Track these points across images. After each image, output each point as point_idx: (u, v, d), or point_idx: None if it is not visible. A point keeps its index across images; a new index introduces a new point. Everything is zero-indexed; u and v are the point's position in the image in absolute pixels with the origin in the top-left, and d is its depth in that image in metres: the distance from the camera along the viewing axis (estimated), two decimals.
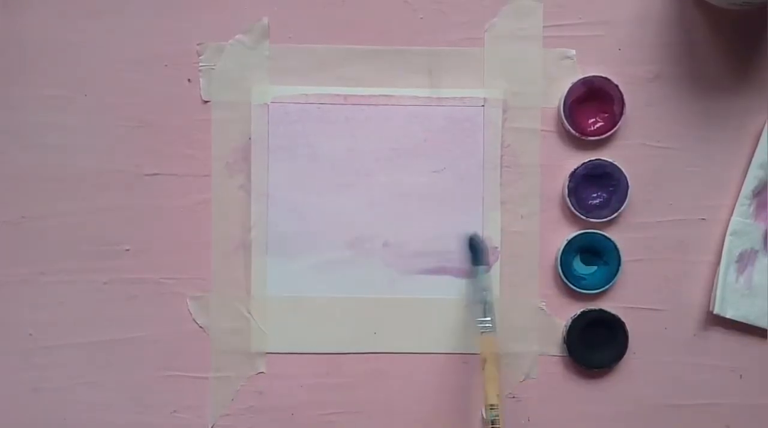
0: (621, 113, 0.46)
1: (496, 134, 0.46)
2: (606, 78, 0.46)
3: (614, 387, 0.47)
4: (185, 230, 0.47)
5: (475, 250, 0.45)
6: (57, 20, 0.46)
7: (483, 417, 0.40)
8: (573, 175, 0.46)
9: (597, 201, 0.47)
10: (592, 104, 0.47)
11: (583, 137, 0.46)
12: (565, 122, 0.46)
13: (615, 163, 0.46)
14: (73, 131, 0.47)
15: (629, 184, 0.46)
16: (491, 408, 0.40)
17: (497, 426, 0.41)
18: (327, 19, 0.47)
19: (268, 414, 0.47)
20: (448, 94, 0.46)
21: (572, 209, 0.46)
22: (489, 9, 0.47)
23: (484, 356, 0.42)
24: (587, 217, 0.46)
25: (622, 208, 0.46)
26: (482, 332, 0.42)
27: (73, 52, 0.46)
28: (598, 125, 0.47)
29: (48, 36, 0.46)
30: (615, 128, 0.46)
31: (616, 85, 0.46)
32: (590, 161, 0.46)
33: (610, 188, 0.46)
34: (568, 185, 0.46)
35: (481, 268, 0.45)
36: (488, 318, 0.42)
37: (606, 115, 0.46)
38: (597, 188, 0.47)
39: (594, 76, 0.46)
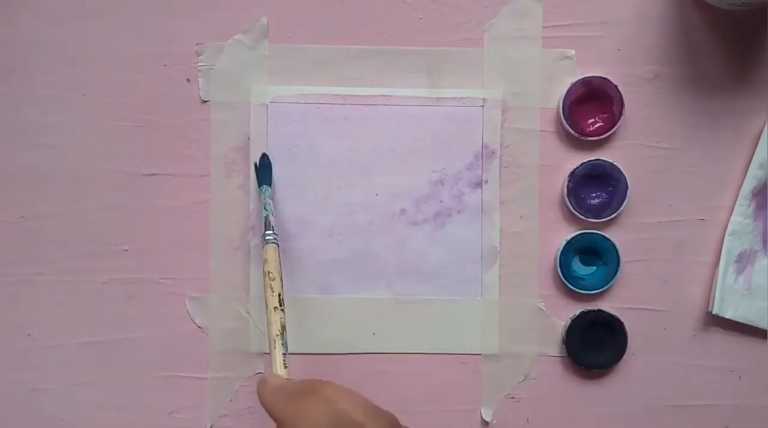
0: (620, 114, 0.46)
1: (496, 134, 0.46)
2: (605, 78, 0.46)
3: (613, 388, 0.47)
4: (184, 230, 0.47)
5: (260, 170, 0.45)
6: (56, 20, 0.46)
7: (270, 317, 0.40)
8: (572, 175, 0.46)
9: (596, 201, 0.47)
10: (592, 105, 0.47)
11: (583, 138, 0.46)
12: (564, 122, 0.46)
13: (614, 163, 0.46)
14: (72, 131, 0.47)
15: (628, 184, 0.46)
16: (276, 309, 0.40)
17: (284, 319, 0.40)
18: (326, 19, 0.47)
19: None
20: (448, 95, 0.46)
21: (571, 209, 0.46)
22: (488, 9, 0.47)
23: (267, 265, 0.42)
24: (586, 217, 0.46)
25: (621, 208, 0.46)
26: (266, 243, 0.42)
27: (72, 52, 0.46)
28: (598, 125, 0.47)
29: (46, 36, 0.46)
30: (614, 129, 0.46)
31: (616, 86, 0.46)
32: (589, 161, 0.46)
33: (610, 188, 0.46)
34: (568, 185, 0.46)
35: (264, 187, 0.45)
36: (270, 231, 0.42)
37: (605, 115, 0.46)
38: (596, 188, 0.47)
39: (593, 77, 0.46)
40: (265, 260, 0.41)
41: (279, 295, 0.40)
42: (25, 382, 0.47)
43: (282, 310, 0.40)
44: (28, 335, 0.47)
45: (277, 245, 0.42)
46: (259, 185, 0.45)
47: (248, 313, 0.47)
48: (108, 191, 0.47)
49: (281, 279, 0.41)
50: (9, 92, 0.46)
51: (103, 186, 0.47)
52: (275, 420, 0.34)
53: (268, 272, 0.41)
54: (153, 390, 0.47)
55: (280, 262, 0.42)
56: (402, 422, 0.46)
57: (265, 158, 0.46)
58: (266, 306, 0.40)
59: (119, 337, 0.47)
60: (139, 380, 0.47)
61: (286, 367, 0.38)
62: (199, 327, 0.47)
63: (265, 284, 0.41)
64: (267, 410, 0.35)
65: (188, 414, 0.47)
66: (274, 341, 0.39)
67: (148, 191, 0.47)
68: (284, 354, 0.39)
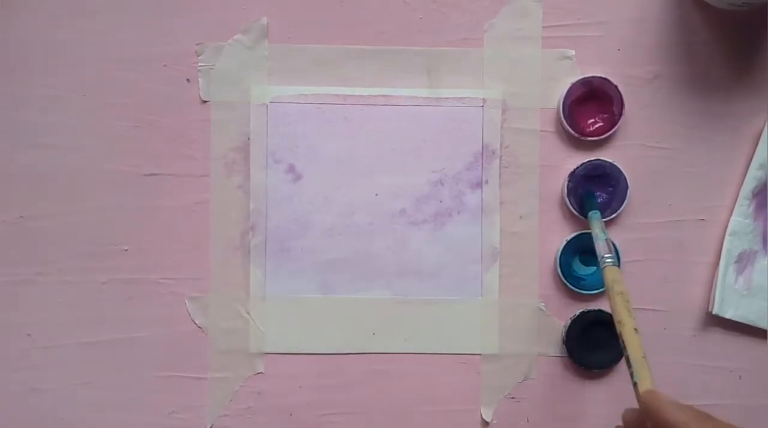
0: (620, 114, 0.46)
1: (496, 134, 0.46)
2: (605, 78, 0.46)
3: (613, 388, 0.47)
4: (184, 230, 0.47)
5: (584, 200, 0.46)
6: (56, 20, 0.46)
7: (626, 330, 0.38)
8: (572, 175, 0.46)
9: (597, 200, 0.46)
10: (592, 105, 0.47)
11: (583, 138, 0.46)
12: (564, 122, 0.46)
13: (614, 163, 0.46)
14: (72, 131, 0.47)
15: (629, 184, 0.46)
16: (636, 331, 0.38)
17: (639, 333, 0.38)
18: (326, 19, 0.47)
19: (267, 415, 0.47)
20: (447, 95, 0.46)
21: (572, 209, 0.46)
22: (488, 9, 0.47)
23: (613, 284, 0.41)
24: (587, 218, 0.46)
25: (621, 208, 0.46)
26: (604, 265, 0.41)
27: (72, 52, 0.46)
28: (598, 125, 0.46)
29: (46, 36, 0.46)
30: (614, 129, 0.46)
31: (616, 86, 0.46)
32: (589, 161, 0.46)
33: (610, 188, 0.46)
34: (568, 185, 0.46)
35: (591, 213, 0.45)
36: (610, 255, 0.42)
37: (605, 115, 0.46)
38: (596, 189, 0.47)
39: (593, 77, 0.46)
40: (614, 281, 0.40)
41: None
42: (24, 382, 0.47)
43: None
44: (28, 335, 0.47)
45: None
46: (588, 211, 0.45)
47: (248, 313, 0.47)
48: (108, 191, 0.47)
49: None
50: (9, 92, 0.46)
51: (103, 186, 0.47)
52: None
53: (621, 293, 0.40)
54: (153, 390, 0.47)
55: None
56: (401, 422, 0.46)
57: (587, 191, 0.46)
58: (622, 326, 0.38)
59: (119, 337, 0.47)
60: (139, 380, 0.47)
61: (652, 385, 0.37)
62: (199, 327, 0.47)
63: (618, 305, 0.39)
64: (668, 424, 0.33)
65: (188, 414, 0.47)
66: (641, 361, 0.37)
67: (148, 191, 0.47)
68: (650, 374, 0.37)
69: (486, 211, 0.47)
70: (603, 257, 0.42)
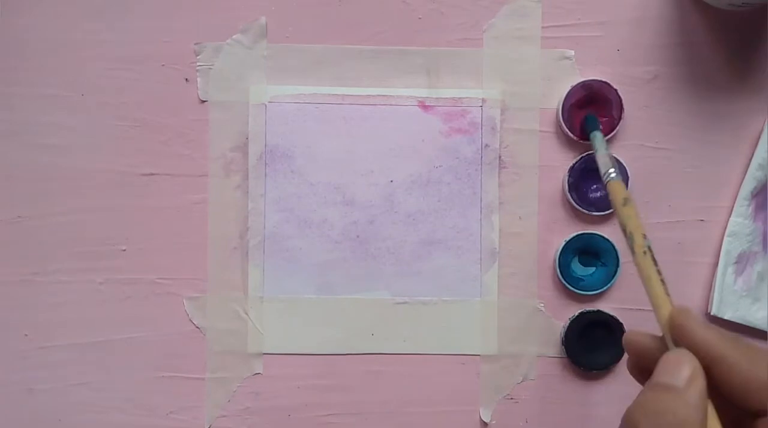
0: (620, 118, 0.46)
1: (495, 134, 0.46)
2: (605, 82, 0.46)
3: (613, 389, 0.47)
4: (182, 230, 0.47)
5: (591, 120, 0.45)
6: (54, 20, 0.46)
7: (637, 249, 0.35)
8: (572, 169, 0.46)
9: (598, 193, 0.46)
10: (591, 108, 0.46)
11: (582, 141, 0.46)
12: (564, 125, 0.46)
13: (614, 155, 0.45)
14: (70, 131, 0.46)
15: (629, 176, 0.46)
16: (645, 237, 0.36)
17: (653, 252, 0.35)
18: (325, 18, 0.46)
19: (265, 415, 0.47)
20: (447, 95, 0.46)
21: (573, 204, 0.46)
22: (487, 9, 0.46)
23: (624, 196, 0.38)
24: (590, 211, 0.46)
25: None
26: (611, 180, 0.40)
27: (70, 51, 0.46)
28: None
29: (44, 35, 0.46)
30: (613, 132, 0.46)
31: (615, 90, 0.45)
32: (588, 154, 0.46)
33: None
34: (568, 181, 0.46)
35: (597, 133, 0.44)
36: (614, 169, 0.40)
37: (605, 119, 0.46)
38: (596, 181, 0.46)
39: (593, 80, 0.46)
40: (622, 194, 0.37)
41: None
42: (21, 383, 0.47)
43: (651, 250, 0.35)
44: (25, 335, 0.47)
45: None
46: (590, 132, 0.44)
47: (246, 313, 0.46)
48: (106, 190, 0.46)
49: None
50: (6, 91, 0.46)
51: (100, 186, 0.46)
52: (711, 357, 0.29)
53: (629, 203, 0.37)
54: (150, 390, 0.47)
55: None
56: (400, 423, 0.46)
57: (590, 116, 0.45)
58: (633, 241, 0.35)
59: (116, 337, 0.47)
60: (136, 380, 0.47)
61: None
62: (197, 328, 0.47)
63: (626, 217, 0.36)
64: (700, 344, 0.30)
65: (186, 414, 0.47)
66: (657, 281, 0.34)
67: (145, 191, 0.46)
68: (669, 297, 0.34)
69: (485, 211, 0.47)
70: (607, 172, 0.40)
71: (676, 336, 0.31)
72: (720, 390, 0.29)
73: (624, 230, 0.37)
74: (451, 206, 0.47)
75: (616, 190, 0.39)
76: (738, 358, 0.28)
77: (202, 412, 0.47)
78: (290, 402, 0.47)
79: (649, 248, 0.35)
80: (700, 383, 0.28)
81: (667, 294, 0.34)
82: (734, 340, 0.29)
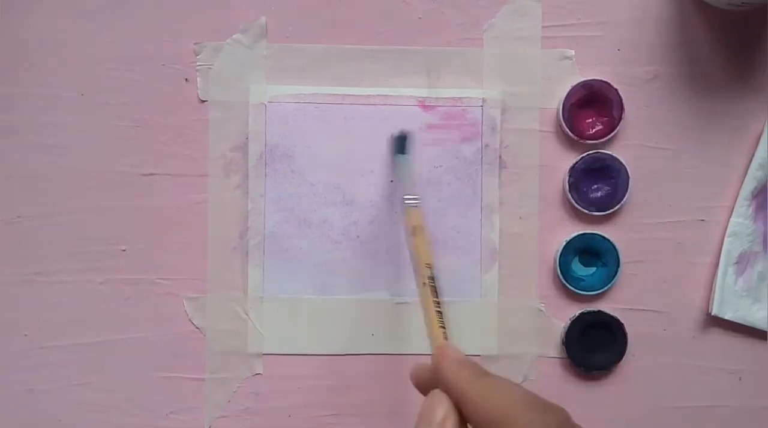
0: (620, 118, 0.46)
1: (495, 134, 0.46)
2: (606, 82, 0.46)
3: (613, 389, 0.47)
4: (182, 230, 0.47)
5: (402, 141, 0.45)
6: (53, 20, 0.46)
7: (419, 280, 0.37)
8: (573, 169, 0.46)
9: (598, 193, 0.46)
10: (592, 108, 0.46)
11: (582, 141, 0.46)
12: (564, 125, 0.46)
13: (614, 154, 0.46)
14: (70, 131, 0.46)
15: (630, 175, 0.46)
16: (429, 266, 0.38)
17: (435, 283, 0.37)
18: (325, 18, 0.46)
19: (265, 416, 0.47)
20: (447, 95, 0.46)
21: (574, 204, 0.46)
22: (488, 9, 0.46)
23: (414, 225, 0.40)
24: (590, 211, 0.46)
25: (624, 200, 0.46)
26: (409, 206, 0.41)
27: (70, 51, 0.46)
28: (597, 128, 0.46)
29: (44, 35, 0.46)
30: (614, 132, 0.46)
31: (616, 89, 0.45)
32: (588, 154, 0.46)
33: (612, 180, 0.46)
34: (569, 180, 0.46)
35: (402, 156, 0.44)
36: (417, 195, 0.41)
37: (605, 118, 0.46)
38: (597, 181, 0.46)
39: (593, 80, 0.46)
40: (418, 222, 0.39)
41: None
42: (21, 383, 0.47)
43: (433, 280, 0.37)
44: (25, 335, 0.47)
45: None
46: (401, 153, 0.44)
47: (246, 314, 0.46)
48: (106, 191, 0.46)
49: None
50: (6, 92, 0.46)
51: (100, 186, 0.46)
52: (455, 391, 0.31)
53: (422, 232, 0.38)
54: (150, 391, 0.47)
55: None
56: (400, 424, 0.46)
57: (404, 132, 0.45)
58: (418, 274, 0.37)
59: (116, 338, 0.47)
60: (136, 381, 0.47)
61: (446, 339, 0.36)
62: (197, 328, 0.47)
63: (419, 245, 0.38)
64: (445, 380, 0.32)
65: (186, 415, 0.47)
66: (434, 313, 0.36)
67: (145, 191, 0.46)
68: (444, 329, 0.36)
69: (485, 211, 0.46)
70: (407, 197, 0.41)
71: (435, 374, 0.33)
72: (473, 425, 0.31)
73: (412, 258, 0.38)
74: (451, 206, 0.47)
75: (410, 217, 0.40)
76: (476, 395, 0.30)
77: (202, 412, 0.47)
78: (290, 403, 0.47)
79: (432, 278, 0.37)
80: (451, 422, 0.30)
81: (442, 327, 0.36)
82: (480, 377, 0.31)
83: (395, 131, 0.45)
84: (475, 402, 0.30)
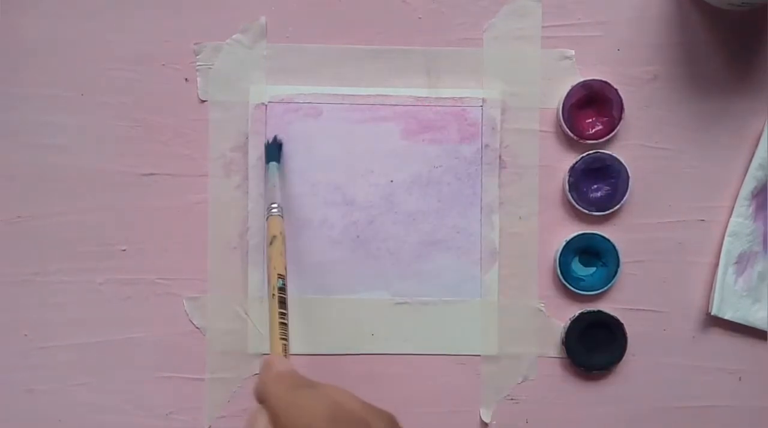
0: (620, 118, 0.46)
1: (495, 134, 0.46)
2: (606, 82, 0.46)
3: (613, 389, 0.47)
4: (182, 230, 0.46)
5: (274, 149, 0.45)
6: (53, 19, 0.46)
7: (269, 291, 0.38)
8: (572, 169, 0.46)
9: (598, 193, 0.46)
10: (591, 108, 0.46)
11: (582, 141, 0.46)
12: (564, 125, 0.46)
13: (614, 154, 0.46)
14: (70, 131, 0.46)
15: (629, 175, 0.46)
16: (281, 277, 0.39)
17: (284, 294, 0.38)
18: (325, 18, 0.46)
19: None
20: (447, 95, 0.46)
21: (574, 204, 0.46)
22: (488, 9, 0.46)
23: (274, 234, 0.41)
24: (590, 211, 0.46)
25: (624, 199, 0.46)
26: (270, 215, 0.42)
27: (70, 51, 0.46)
28: (597, 128, 0.46)
29: (44, 35, 0.46)
30: (614, 133, 0.46)
31: (616, 90, 0.45)
32: (588, 154, 0.46)
33: (612, 180, 0.46)
34: (569, 180, 0.46)
35: (272, 164, 0.45)
36: (276, 204, 0.42)
37: (605, 118, 0.46)
38: (597, 181, 0.46)
39: (594, 80, 0.46)
40: (279, 230, 0.41)
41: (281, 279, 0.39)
42: (21, 383, 0.47)
43: (282, 291, 0.38)
44: (25, 335, 0.47)
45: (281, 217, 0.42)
46: (268, 161, 0.45)
47: (246, 314, 0.46)
48: (105, 191, 0.46)
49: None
50: (5, 91, 0.46)
51: (100, 186, 0.46)
52: (269, 406, 0.32)
53: (280, 242, 0.40)
54: (150, 391, 0.47)
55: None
56: (402, 423, 0.46)
57: (275, 139, 0.46)
58: (270, 283, 0.39)
59: (116, 338, 0.47)
60: (136, 381, 0.47)
61: (286, 355, 0.37)
62: (197, 328, 0.47)
63: (276, 256, 0.39)
64: (263, 393, 0.33)
65: (186, 415, 0.47)
66: (275, 325, 0.37)
67: (145, 191, 0.46)
68: (284, 341, 0.37)
69: (485, 211, 0.46)
70: (270, 206, 0.42)
71: (259, 387, 0.34)
72: None
73: (269, 262, 0.40)
74: (451, 206, 0.46)
75: (270, 227, 0.41)
76: (284, 410, 0.31)
77: (202, 412, 0.47)
78: None
79: (281, 289, 0.38)
80: None
81: (283, 339, 0.37)
82: (293, 390, 0.33)
83: (269, 138, 0.46)
84: (284, 416, 0.31)
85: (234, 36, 0.46)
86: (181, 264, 0.46)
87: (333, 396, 0.32)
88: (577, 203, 0.46)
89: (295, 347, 0.46)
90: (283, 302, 0.38)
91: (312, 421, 0.30)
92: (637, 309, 0.47)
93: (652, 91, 0.47)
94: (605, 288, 0.46)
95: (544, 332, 0.47)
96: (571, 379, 0.47)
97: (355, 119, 0.46)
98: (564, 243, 0.46)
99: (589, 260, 0.47)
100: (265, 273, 0.46)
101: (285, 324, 0.38)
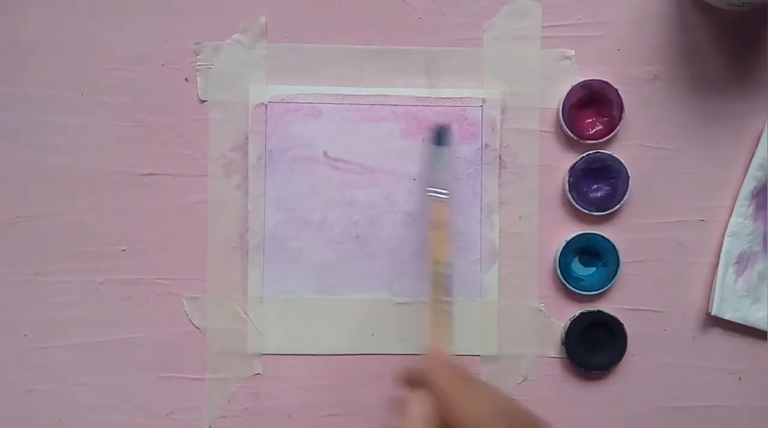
0: (620, 118, 0.46)
1: (495, 134, 0.46)
2: (606, 82, 0.46)
3: (613, 389, 0.47)
4: (182, 230, 0.46)
5: (443, 133, 0.45)
6: (54, 19, 0.46)
7: (433, 276, 0.38)
8: (572, 169, 0.46)
9: (598, 193, 0.46)
10: (591, 108, 0.46)
11: (582, 141, 0.46)
12: (564, 125, 0.46)
13: (614, 154, 0.46)
14: (70, 131, 0.46)
15: (629, 175, 0.46)
16: (440, 264, 0.38)
17: (444, 281, 0.39)
18: (325, 18, 0.46)
19: (265, 416, 0.47)
20: (447, 95, 0.46)
21: (574, 204, 0.46)
22: (488, 9, 0.46)
23: (436, 220, 0.41)
24: (590, 211, 0.46)
25: (624, 199, 0.46)
26: (436, 199, 0.41)
27: (70, 51, 0.46)
28: (597, 128, 0.46)
29: (44, 35, 0.46)
30: (613, 133, 0.46)
31: (616, 89, 0.45)
32: (588, 154, 0.46)
33: (612, 180, 0.46)
34: (569, 180, 0.46)
35: (444, 148, 0.45)
36: (447, 190, 0.42)
37: (605, 118, 0.46)
38: (597, 181, 0.46)
39: (593, 80, 0.46)
40: (445, 217, 0.40)
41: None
42: (21, 383, 0.47)
43: (446, 279, 0.38)
44: (25, 335, 0.47)
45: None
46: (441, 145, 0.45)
47: (246, 314, 0.46)
48: (106, 191, 0.46)
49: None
50: (5, 92, 0.46)
51: (100, 186, 0.46)
52: (437, 395, 0.33)
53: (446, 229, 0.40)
54: (150, 391, 0.47)
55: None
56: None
57: (446, 126, 0.45)
58: (436, 265, 0.38)
59: (116, 338, 0.47)
60: (136, 381, 0.47)
61: (445, 340, 0.37)
62: (197, 328, 0.47)
63: (441, 242, 0.39)
64: (427, 381, 0.34)
65: (186, 415, 0.47)
66: (438, 309, 0.37)
67: (145, 191, 0.46)
68: (446, 330, 0.37)
69: (485, 211, 0.46)
70: (440, 190, 0.42)
71: (424, 375, 0.34)
72: (450, 424, 0.32)
73: (433, 248, 0.40)
74: (452, 206, 0.46)
75: (434, 211, 0.41)
76: (458, 403, 0.32)
77: (202, 412, 0.47)
78: (290, 403, 0.47)
79: (444, 275, 0.38)
80: (427, 421, 0.33)
81: (439, 326, 0.37)
82: (463, 381, 0.33)
83: (437, 123, 0.45)
84: (456, 406, 0.32)
85: (234, 36, 0.46)
86: (181, 264, 0.46)
87: (502, 393, 0.33)
88: (577, 203, 0.46)
89: (295, 347, 0.46)
90: (443, 289, 0.38)
91: (484, 415, 0.31)
92: (637, 309, 0.47)
93: (652, 91, 0.47)
94: (605, 288, 0.46)
95: (544, 332, 0.47)
96: (571, 379, 0.47)
97: (355, 119, 0.46)
98: (564, 243, 0.46)
99: (589, 260, 0.47)
100: (264, 273, 0.46)
101: (448, 312, 0.37)
